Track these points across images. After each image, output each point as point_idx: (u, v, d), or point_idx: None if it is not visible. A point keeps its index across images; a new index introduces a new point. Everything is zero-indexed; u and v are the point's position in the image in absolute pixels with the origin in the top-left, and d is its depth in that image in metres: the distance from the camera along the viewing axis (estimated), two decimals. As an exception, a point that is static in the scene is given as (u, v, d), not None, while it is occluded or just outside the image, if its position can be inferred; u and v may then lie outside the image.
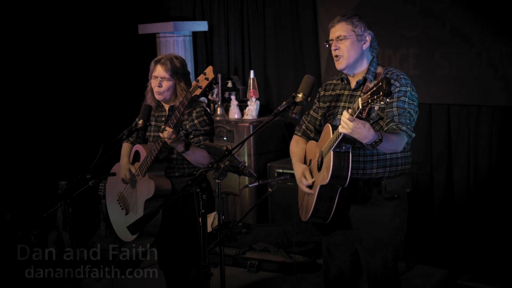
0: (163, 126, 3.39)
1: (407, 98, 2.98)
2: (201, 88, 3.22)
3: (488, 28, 4.39)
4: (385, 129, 2.95)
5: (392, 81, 2.99)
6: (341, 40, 3.05)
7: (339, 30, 3.07)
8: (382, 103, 2.55)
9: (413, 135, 2.95)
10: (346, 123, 2.69)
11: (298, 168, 3.22)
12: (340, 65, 3.09)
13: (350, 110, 2.72)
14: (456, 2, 4.52)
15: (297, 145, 3.36)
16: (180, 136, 3.49)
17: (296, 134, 3.42)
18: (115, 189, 3.75)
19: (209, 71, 3.21)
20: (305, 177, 3.14)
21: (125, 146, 3.76)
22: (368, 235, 3.12)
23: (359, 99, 2.64)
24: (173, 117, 3.37)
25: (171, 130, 3.30)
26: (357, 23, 3.06)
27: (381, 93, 2.54)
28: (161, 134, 3.35)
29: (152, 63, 3.59)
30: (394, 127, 2.91)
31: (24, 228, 3.91)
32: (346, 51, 3.05)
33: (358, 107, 2.66)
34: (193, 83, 3.27)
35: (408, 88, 3.00)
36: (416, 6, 4.70)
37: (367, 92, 2.61)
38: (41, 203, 4.14)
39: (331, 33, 3.11)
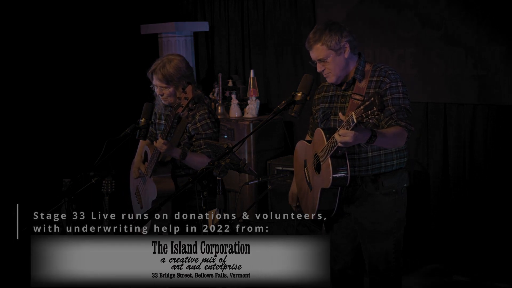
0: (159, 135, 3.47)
1: (400, 94, 3.01)
2: (182, 107, 3.32)
3: (483, 28, 4.44)
4: (385, 127, 2.98)
5: (382, 78, 3.04)
6: (323, 61, 3.07)
7: (316, 53, 3.07)
8: (376, 116, 2.61)
9: (413, 128, 2.99)
10: (344, 141, 2.75)
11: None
12: (331, 79, 3.13)
13: (344, 123, 2.76)
14: (452, 3, 4.57)
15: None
16: (184, 140, 3.54)
17: (308, 134, 3.52)
18: (134, 183, 3.85)
19: (189, 90, 3.30)
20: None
21: (141, 143, 3.83)
22: (369, 229, 3.16)
23: (353, 113, 2.67)
24: (164, 128, 3.43)
25: (162, 141, 3.35)
26: (329, 39, 3.02)
27: (375, 109, 2.56)
28: (154, 143, 3.40)
29: (149, 75, 3.60)
30: (393, 124, 2.95)
31: (29, 224, 3.97)
32: (332, 69, 3.07)
33: (353, 121, 2.68)
34: (177, 101, 3.35)
35: (399, 83, 3.03)
36: (413, 7, 4.76)
37: (359, 106, 2.64)
38: (45, 200, 4.21)
39: (311, 53, 3.11)
